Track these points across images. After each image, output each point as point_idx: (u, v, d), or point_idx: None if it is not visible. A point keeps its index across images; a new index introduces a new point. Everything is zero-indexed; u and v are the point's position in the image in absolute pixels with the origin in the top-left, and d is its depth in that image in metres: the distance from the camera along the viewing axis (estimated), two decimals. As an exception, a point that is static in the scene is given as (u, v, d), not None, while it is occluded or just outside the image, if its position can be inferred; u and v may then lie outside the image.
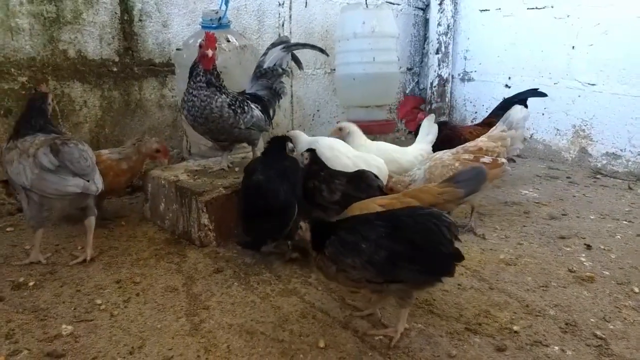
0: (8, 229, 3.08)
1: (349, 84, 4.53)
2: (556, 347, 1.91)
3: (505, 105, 4.30)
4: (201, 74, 2.79)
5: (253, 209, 2.52)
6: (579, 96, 4.83)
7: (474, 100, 5.78)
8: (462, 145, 3.21)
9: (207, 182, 2.95)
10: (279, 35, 4.73)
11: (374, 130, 4.25)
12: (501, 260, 2.66)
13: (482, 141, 3.22)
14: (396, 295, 1.90)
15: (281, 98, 3.35)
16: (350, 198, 2.49)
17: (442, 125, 3.71)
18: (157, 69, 3.91)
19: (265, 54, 3.30)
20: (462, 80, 5.91)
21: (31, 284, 2.34)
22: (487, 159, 3.07)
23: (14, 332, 1.95)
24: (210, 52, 2.76)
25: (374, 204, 2.28)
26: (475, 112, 5.79)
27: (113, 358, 1.79)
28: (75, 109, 3.50)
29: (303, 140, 3.19)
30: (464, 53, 5.84)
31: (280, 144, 2.82)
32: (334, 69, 4.98)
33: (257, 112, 3.03)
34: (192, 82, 2.81)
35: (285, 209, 2.50)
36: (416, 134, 3.73)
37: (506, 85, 5.48)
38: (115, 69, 3.68)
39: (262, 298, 2.25)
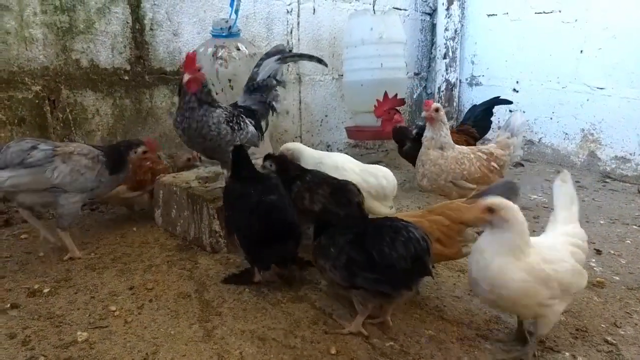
0: (22, 236, 3.12)
1: (357, 90, 4.55)
2: (567, 353, 1.91)
3: (473, 113, 4.41)
4: (190, 95, 2.56)
5: (271, 231, 2.26)
6: (588, 100, 4.82)
7: (482, 105, 5.78)
8: (476, 147, 3.26)
9: (217, 189, 2.97)
10: (287, 42, 4.77)
11: (382, 136, 4.26)
12: (511, 265, 2.66)
13: (492, 147, 3.22)
14: (356, 299, 1.98)
15: (276, 111, 3.12)
16: (328, 212, 2.35)
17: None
18: (168, 77, 3.96)
19: (258, 65, 3.03)
20: (470, 84, 5.91)
21: (46, 290, 2.38)
22: (495, 165, 3.10)
23: (30, 339, 1.98)
24: (187, 77, 2.50)
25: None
26: (484, 117, 5.78)
27: (128, 364, 1.82)
28: (88, 118, 3.55)
29: (307, 155, 3.03)
30: (471, 58, 5.84)
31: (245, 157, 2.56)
32: (342, 75, 5.01)
33: (251, 127, 2.88)
34: (183, 104, 2.58)
35: (298, 228, 2.36)
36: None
37: (514, 90, 5.48)
38: (126, 78, 3.73)
39: (273, 304, 2.26)
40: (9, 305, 2.24)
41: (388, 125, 3.86)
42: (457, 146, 3.09)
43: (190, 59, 2.54)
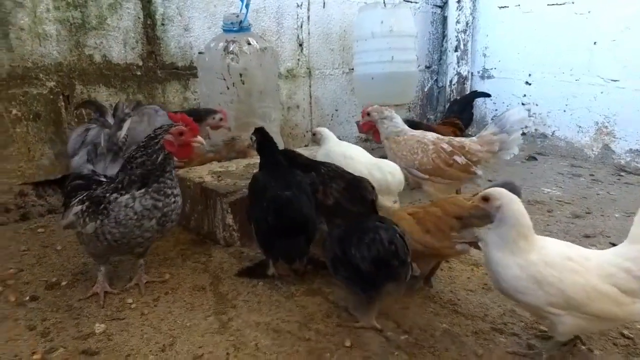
0: (39, 230, 3.17)
1: (368, 83, 4.54)
2: (583, 347, 1.90)
3: (455, 105, 4.47)
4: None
5: (282, 226, 2.26)
6: (602, 92, 4.77)
7: (494, 98, 5.74)
8: (449, 137, 3.18)
9: (230, 183, 2.99)
10: (298, 37, 4.77)
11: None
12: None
13: (470, 140, 3.13)
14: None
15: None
16: (341, 209, 2.36)
17: (417, 125, 3.60)
18: (179, 72, 3.98)
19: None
20: (482, 77, 5.87)
21: (64, 283, 2.42)
22: (459, 159, 3.01)
23: (49, 331, 2.02)
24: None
25: (404, 213, 2.28)
26: (496, 110, 5.76)
27: (145, 356, 1.84)
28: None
29: (328, 137, 3.07)
30: (483, 50, 5.80)
31: (275, 155, 2.58)
32: (352, 69, 5.00)
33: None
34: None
35: (313, 223, 2.35)
36: None
37: (526, 82, 5.44)
38: (139, 73, 3.76)
39: (286, 297, 2.28)
40: (28, 298, 2.29)
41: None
42: (418, 135, 3.12)
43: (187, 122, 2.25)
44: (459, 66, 5.78)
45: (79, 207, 2.17)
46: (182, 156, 2.21)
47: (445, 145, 3.05)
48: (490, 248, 1.77)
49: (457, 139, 3.20)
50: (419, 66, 5.33)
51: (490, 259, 1.76)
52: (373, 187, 2.53)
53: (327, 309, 2.17)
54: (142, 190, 2.07)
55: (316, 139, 3.19)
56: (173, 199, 2.14)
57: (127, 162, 2.15)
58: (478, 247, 2.15)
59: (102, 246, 2.15)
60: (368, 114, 3.28)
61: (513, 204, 1.75)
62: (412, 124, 3.70)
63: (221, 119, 3.31)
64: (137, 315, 2.12)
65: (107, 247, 2.15)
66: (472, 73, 5.91)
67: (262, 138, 2.60)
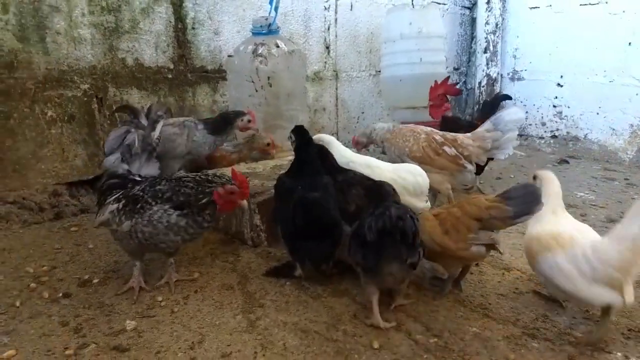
0: (72, 229, 3.25)
1: (395, 85, 4.52)
2: (619, 354, 1.84)
3: (487, 106, 4.43)
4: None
5: (310, 229, 2.25)
6: (637, 94, 4.63)
7: (525, 100, 5.64)
8: (444, 132, 3.26)
9: (258, 184, 3.01)
10: (325, 39, 4.78)
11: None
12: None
13: (464, 135, 3.21)
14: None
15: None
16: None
17: (456, 121, 3.66)
18: (209, 76, 4.04)
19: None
20: (512, 79, 5.77)
21: (96, 281, 2.47)
22: (448, 150, 3.12)
23: (81, 327, 2.06)
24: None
25: (429, 214, 2.27)
26: (526, 112, 5.63)
27: (175, 353, 1.86)
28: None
29: (336, 152, 2.91)
30: (513, 52, 5.70)
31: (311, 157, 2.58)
32: (379, 71, 4.98)
33: None
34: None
35: (340, 225, 2.35)
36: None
37: (558, 84, 5.32)
38: (170, 76, 3.83)
39: (314, 298, 2.27)
40: (61, 295, 2.34)
41: (437, 111, 3.75)
42: (411, 126, 3.33)
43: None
44: (488, 68, 5.69)
45: (115, 205, 2.23)
46: (223, 210, 2.27)
47: (437, 137, 3.19)
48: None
49: (452, 133, 3.27)
50: (447, 68, 5.27)
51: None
52: (394, 190, 2.48)
53: (354, 310, 2.15)
54: (177, 211, 2.17)
55: None
56: (204, 228, 2.25)
57: (177, 182, 2.24)
58: (495, 249, 2.12)
59: (134, 244, 2.22)
60: (357, 143, 3.53)
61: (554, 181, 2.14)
62: (452, 120, 3.63)
63: (249, 121, 3.34)
64: (167, 312, 2.15)
65: (138, 244, 2.22)
66: (501, 75, 5.81)
67: (300, 138, 2.60)
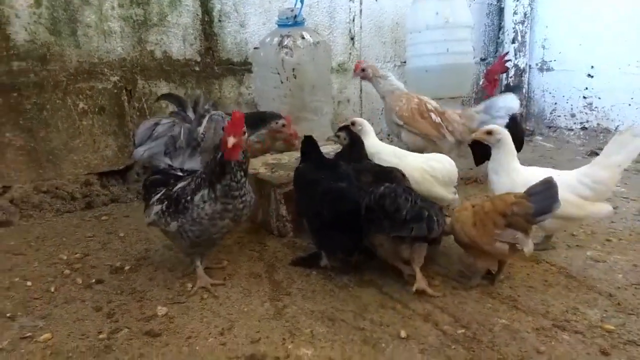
0: (103, 218, 3.34)
1: (421, 76, 4.46)
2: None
3: None
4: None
5: (339, 219, 2.27)
6: (673, 84, 4.48)
7: (554, 91, 5.51)
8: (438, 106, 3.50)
9: (284, 175, 3.03)
10: (350, 30, 4.75)
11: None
12: (589, 257, 2.54)
13: (453, 110, 3.46)
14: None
15: None
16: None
17: None
18: (235, 68, 4.07)
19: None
20: (541, 70, 5.65)
21: (127, 268, 2.53)
22: (434, 117, 3.40)
23: (114, 312, 2.12)
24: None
25: (468, 204, 2.29)
26: (555, 104, 5.53)
27: (205, 338, 1.90)
28: (162, 107, 3.71)
29: (369, 137, 2.98)
30: (542, 42, 5.58)
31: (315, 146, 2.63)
32: (404, 62, 4.93)
33: None
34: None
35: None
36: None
37: (589, 75, 5.19)
38: (197, 69, 3.87)
39: (340, 287, 2.28)
40: (94, 281, 2.42)
41: (492, 88, 3.79)
42: (411, 92, 3.55)
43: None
44: (516, 58, 5.58)
45: (159, 206, 2.24)
46: (226, 155, 2.05)
47: (429, 105, 3.45)
48: (491, 173, 2.54)
49: (443, 107, 3.53)
50: (474, 58, 5.18)
51: (490, 181, 2.55)
52: (404, 175, 2.57)
53: (381, 300, 2.16)
54: (211, 191, 2.09)
55: (355, 129, 3.04)
56: (241, 200, 2.14)
57: (204, 166, 2.24)
58: (516, 250, 2.09)
59: (186, 242, 2.23)
60: (363, 70, 3.61)
61: (509, 137, 2.51)
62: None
63: (284, 125, 3.22)
64: (197, 299, 2.19)
65: (191, 243, 2.22)
66: (529, 65, 5.69)
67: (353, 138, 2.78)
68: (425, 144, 3.47)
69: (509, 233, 2.05)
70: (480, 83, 3.86)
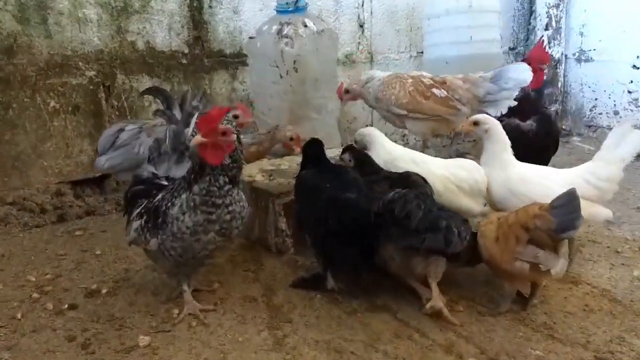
0: (77, 233, 3.36)
1: (441, 68, 4.43)
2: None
3: None
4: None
5: (347, 233, 2.25)
6: None
7: (593, 85, 5.49)
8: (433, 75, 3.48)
9: (284, 182, 3.03)
10: (358, 16, 4.77)
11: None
12: (635, 277, 2.53)
13: (453, 77, 3.39)
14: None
15: None
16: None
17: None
18: (227, 60, 4.09)
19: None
20: (578, 60, 5.63)
21: (104, 291, 2.54)
22: (437, 92, 3.31)
23: (90, 342, 2.12)
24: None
25: (495, 216, 2.31)
26: (595, 99, 5.50)
27: (193, 373, 1.91)
28: (144, 106, 3.73)
29: (379, 143, 2.94)
30: (579, 28, 5.56)
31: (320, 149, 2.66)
32: (422, 52, 4.95)
33: None
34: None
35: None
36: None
37: (634, 66, 5.17)
38: (184, 61, 3.89)
39: (348, 313, 2.28)
40: (66, 306, 2.42)
41: (536, 81, 3.50)
42: (399, 73, 3.52)
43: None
44: (550, 47, 5.56)
45: (138, 222, 2.23)
46: (211, 159, 2.00)
47: (425, 80, 3.38)
48: (484, 167, 2.64)
49: (441, 75, 3.46)
50: (502, 47, 5.18)
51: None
52: (425, 180, 2.57)
53: (395, 328, 2.15)
54: (189, 199, 2.04)
55: (360, 143, 3.02)
56: (227, 210, 2.09)
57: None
58: (540, 271, 2.08)
59: (169, 262, 2.21)
60: (347, 91, 3.63)
61: (498, 126, 2.60)
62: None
63: (292, 139, 3.23)
64: (185, 327, 2.19)
65: (174, 263, 2.20)
66: (565, 55, 5.68)
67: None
68: (438, 126, 3.44)
69: (529, 251, 2.05)
70: None
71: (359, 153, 2.81)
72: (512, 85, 3.21)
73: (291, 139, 3.34)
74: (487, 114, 2.99)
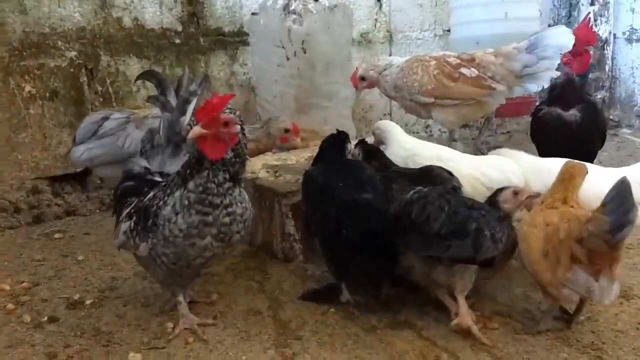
0: (56, 236, 3.40)
1: (470, 49, 4.46)
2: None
3: None
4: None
5: (364, 241, 2.25)
6: None
7: (646, 70, 5.48)
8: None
9: (291, 180, 3.04)
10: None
11: (505, 111, 4.16)
12: (697, 289, 2.53)
13: (483, 52, 3.37)
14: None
15: None
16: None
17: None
18: (226, 40, 4.13)
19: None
20: (629, 40, 5.62)
21: (89, 302, 2.57)
22: (467, 72, 3.27)
23: (73, 360, 2.15)
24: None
25: (539, 217, 2.23)
26: (648, 85, 5.49)
27: (191, 396, 1.93)
28: (132, 91, 3.76)
29: (395, 138, 2.99)
30: (630, 4, 5.55)
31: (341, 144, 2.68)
32: (448, 30, 4.95)
33: None
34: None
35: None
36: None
37: (693, 47, 5.15)
38: (177, 41, 3.93)
39: (366, 330, 2.29)
40: (46, 319, 2.44)
41: (581, 65, 3.54)
42: (420, 56, 3.52)
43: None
44: (596, 25, 5.56)
45: (127, 223, 2.24)
46: (206, 154, 2.00)
47: (451, 59, 3.36)
48: None
49: (468, 52, 3.46)
50: (541, 25, 5.17)
51: None
52: (451, 174, 2.55)
53: (420, 348, 2.16)
54: (183, 198, 2.05)
55: (376, 139, 3.07)
56: (226, 211, 2.09)
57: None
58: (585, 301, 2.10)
59: (162, 270, 2.21)
60: (363, 78, 3.57)
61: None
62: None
63: (287, 131, 3.31)
64: (180, 343, 2.21)
65: (167, 271, 2.20)
66: (614, 35, 5.67)
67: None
68: (471, 111, 3.42)
69: (582, 281, 2.00)
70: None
71: (368, 146, 2.81)
72: (552, 53, 3.16)
73: (286, 130, 3.35)
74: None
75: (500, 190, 2.33)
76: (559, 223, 2.09)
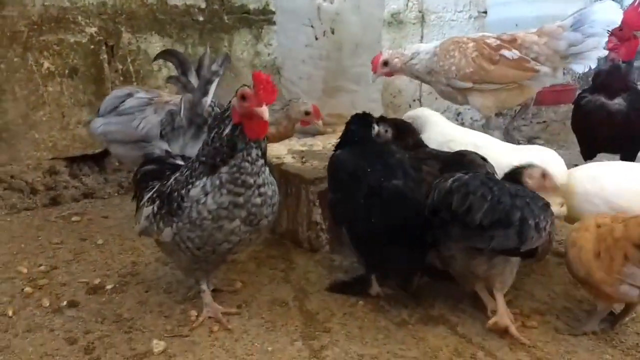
0: (74, 218, 3.43)
1: (509, 31, 4.41)
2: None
3: None
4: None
5: (394, 230, 2.26)
6: None
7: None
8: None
9: (319, 166, 3.04)
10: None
11: (543, 99, 4.12)
12: None
13: (525, 32, 3.29)
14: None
15: None
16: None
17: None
18: (251, 18, 4.13)
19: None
20: (678, 26, 5.51)
21: (109, 287, 2.60)
22: (508, 54, 3.21)
23: (94, 346, 2.17)
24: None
25: (592, 221, 2.22)
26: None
27: (217, 386, 1.95)
28: (153, 70, 3.78)
29: (434, 125, 3.01)
30: (680, -14, 5.43)
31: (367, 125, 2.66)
32: (485, 12, 4.89)
33: None
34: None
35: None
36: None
37: None
38: (201, 18, 3.93)
39: (397, 324, 2.29)
40: (65, 303, 2.48)
41: (628, 51, 3.54)
42: (455, 37, 3.52)
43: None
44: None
45: (150, 208, 2.25)
46: (250, 132, 1.99)
47: (490, 40, 3.29)
48: None
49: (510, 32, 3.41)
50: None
51: None
52: (485, 159, 2.53)
53: (455, 344, 2.15)
54: (214, 178, 2.05)
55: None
56: (259, 192, 2.09)
57: (202, 145, 2.15)
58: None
59: (186, 257, 2.21)
60: (386, 63, 3.51)
61: None
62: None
63: (307, 113, 3.23)
64: (205, 332, 2.23)
65: (192, 257, 2.21)
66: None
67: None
68: (512, 95, 3.39)
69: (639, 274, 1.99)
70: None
71: (399, 122, 2.80)
72: (599, 30, 3.11)
73: (307, 113, 3.28)
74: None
75: (527, 166, 2.30)
76: (613, 224, 2.08)
